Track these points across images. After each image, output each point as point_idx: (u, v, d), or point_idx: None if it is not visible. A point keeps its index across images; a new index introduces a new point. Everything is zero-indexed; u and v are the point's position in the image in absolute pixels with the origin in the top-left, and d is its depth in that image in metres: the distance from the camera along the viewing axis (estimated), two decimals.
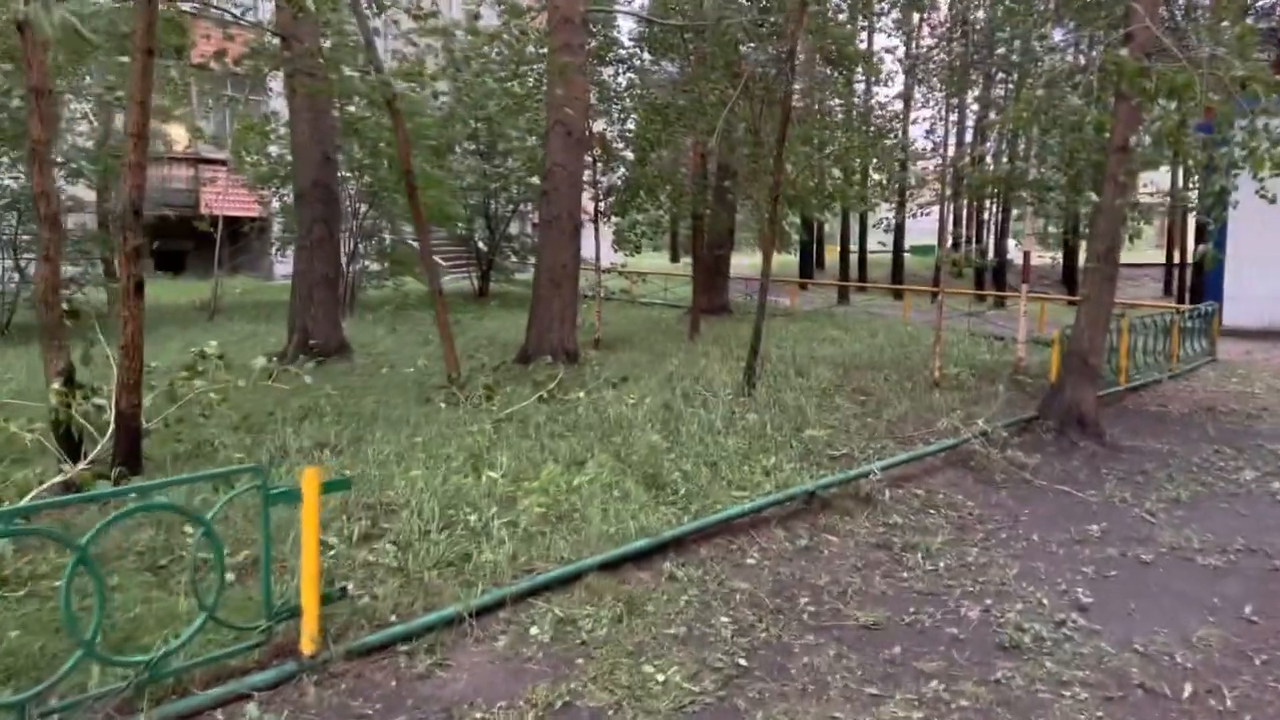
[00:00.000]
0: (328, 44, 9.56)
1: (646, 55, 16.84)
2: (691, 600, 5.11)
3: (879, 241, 32.76)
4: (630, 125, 16.52)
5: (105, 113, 16.15)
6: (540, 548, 5.46)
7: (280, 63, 10.86)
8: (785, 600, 5.22)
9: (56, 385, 5.67)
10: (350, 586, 4.46)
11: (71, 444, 5.78)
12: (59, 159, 14.98)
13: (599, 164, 15.30)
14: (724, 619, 4.92)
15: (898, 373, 11.72)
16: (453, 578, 5.03)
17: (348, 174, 17.98)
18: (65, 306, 5.79)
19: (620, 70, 16.75)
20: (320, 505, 4.06)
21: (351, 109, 12.90)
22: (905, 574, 5.69)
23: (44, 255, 5.66)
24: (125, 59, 16.55)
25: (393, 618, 4.56)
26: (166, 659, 3.73)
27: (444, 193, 18.36)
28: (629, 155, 16.45)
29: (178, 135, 24.11)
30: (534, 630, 4.65)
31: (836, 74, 15.96)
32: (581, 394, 9.24)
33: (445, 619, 4.56)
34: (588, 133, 12.92)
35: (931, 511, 6.86)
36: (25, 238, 14.90)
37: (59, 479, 5.26)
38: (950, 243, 20.65)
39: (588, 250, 18.67)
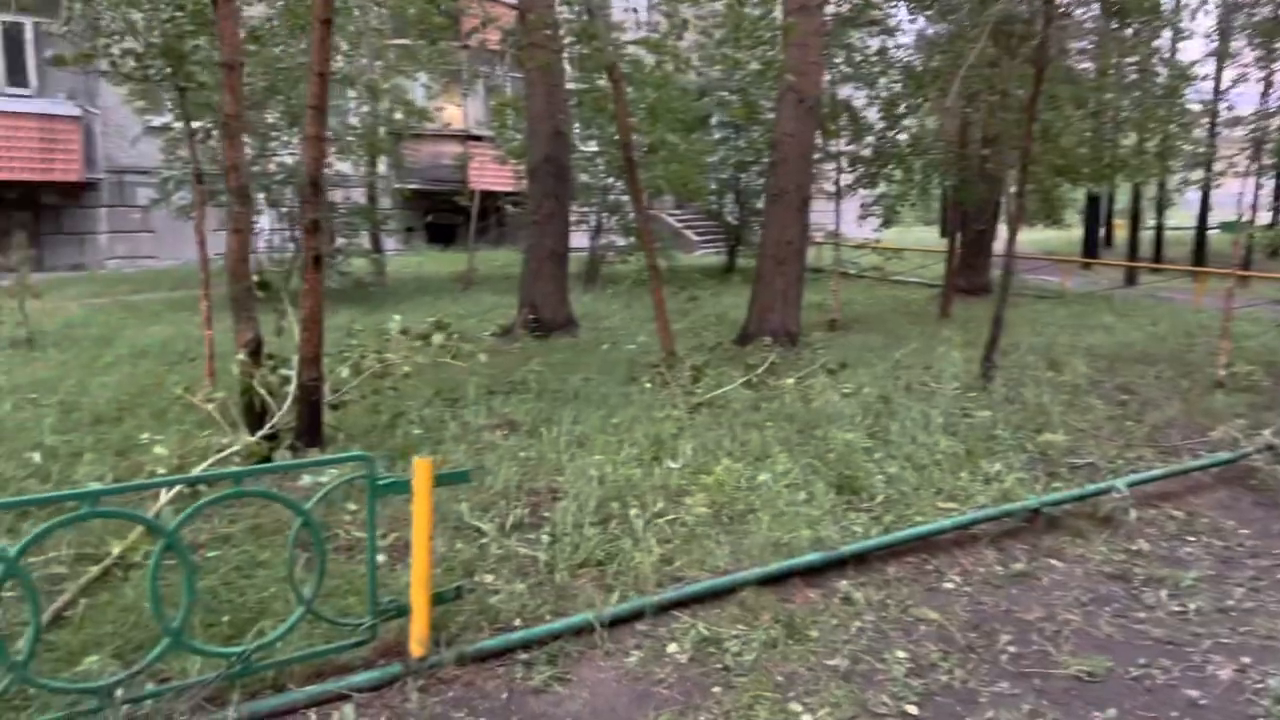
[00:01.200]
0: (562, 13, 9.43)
1: (903, 12, 15.63)
2: (865, 628, 4.43)
3: (1184, 217, 29.25)
4: (881, 91, 15.43)
5: (372, 90, 17.07)
6: (697, 552, 4.97)
7: (516, 36, 10.88)
8: (982, 637, 4.43)
9: (241, 355, 5.82)
10: (464, 586, 4.17)
11: (256, 415, 5.90)
12: (330, 135, 15.97)
13: (842, 133, 14.39)
14: (900, 654, 4.22)
15: (1173, 368, 10.16)
16: (592, 580, 4.65)
17: (595, 148, 18.11)
18: (255, 278, 5.91)
19: (872, 32, 15.67)
20: (432, 497, 3.77)
21: (599, 82, 12.87)
22: (1142, 615, 4.70)
23: (233, 227, 5.79)
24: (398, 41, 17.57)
25: (517, 621, 4.23)
26: (264, 651, 3.58)
27: (689, 167, 18.06)
28: (878, 123, 15.38)
29: (452, 115, 25.42)
30: (672, 648, 4.17)
31: (1122, 27, 14.09)
32: (791, 380, 8.60)
33: (574, 627, 4.18)
34: (823, 101, 12.10)
35: (1189, 539, 5.71)
36: (297, 208, 16.03)
37: (231, 450, 5.36)
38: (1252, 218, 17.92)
39: (827, 224, 17.86)
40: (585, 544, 4.93)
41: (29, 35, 18.52)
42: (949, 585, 4.96)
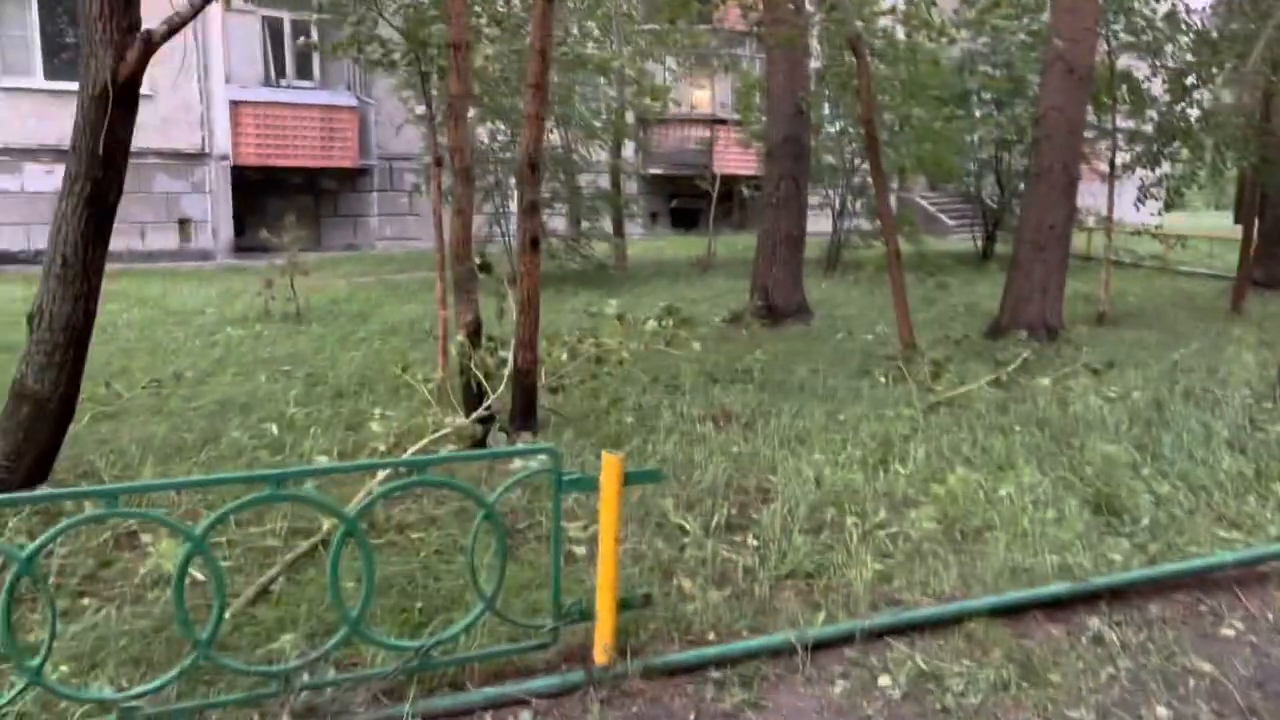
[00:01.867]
0: None
1: None
2: (1118, 676, 3.78)
3: None
4: (1167, 60, 13.75)
5: (619, 76, 17.19)
6: (920, 573, 4.44)
7: (760, 13, 10.51)
8: (1268, 699, 3.67)
9: (460, 337, 5.82)
10: (653, 594, 3.87)
11: (473, 396, 5.90)
12: (574, 121, 16.23)
13: (1120, 107, 12.95)
14: (1161, 711, 3.56)
15: None
16: (798, 595, 4.24)
17: (843, 127, 17.39)
18: (478, 260, 5.90)
19: None
20: (620, 497, 3.51)
21: (849, 58, 12.26)
22: None
23: (456, 209, 5.79)
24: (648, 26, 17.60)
25: (710, 634, 3.90)
26: (444, 646, 3.45)
27: (943, 145, 16.98)
28: (1163, 95, 13.73)
29: (698, 99, 25.36)
30: (884, 680, 3.70)
31: None
32: (1046, 380, 7.74)
33: (773, 647, 3.80)
34: (1097, 71, 10.88)
35: None
36: (545, 195, 16.41)
37: (443, 431, 5.36)
38: None
39: (1099, 208, 16.20)
40: (793, 553, 4.53)
41: (314, 33, 20.04)
42: (1228, 632, 4.17)
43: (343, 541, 3.24)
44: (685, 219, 25.77)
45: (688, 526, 4.82)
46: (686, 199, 24.66)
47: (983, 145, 20.23)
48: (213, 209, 19.22)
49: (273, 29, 19.74)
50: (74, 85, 4.73)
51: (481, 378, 5.75)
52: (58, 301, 4.68)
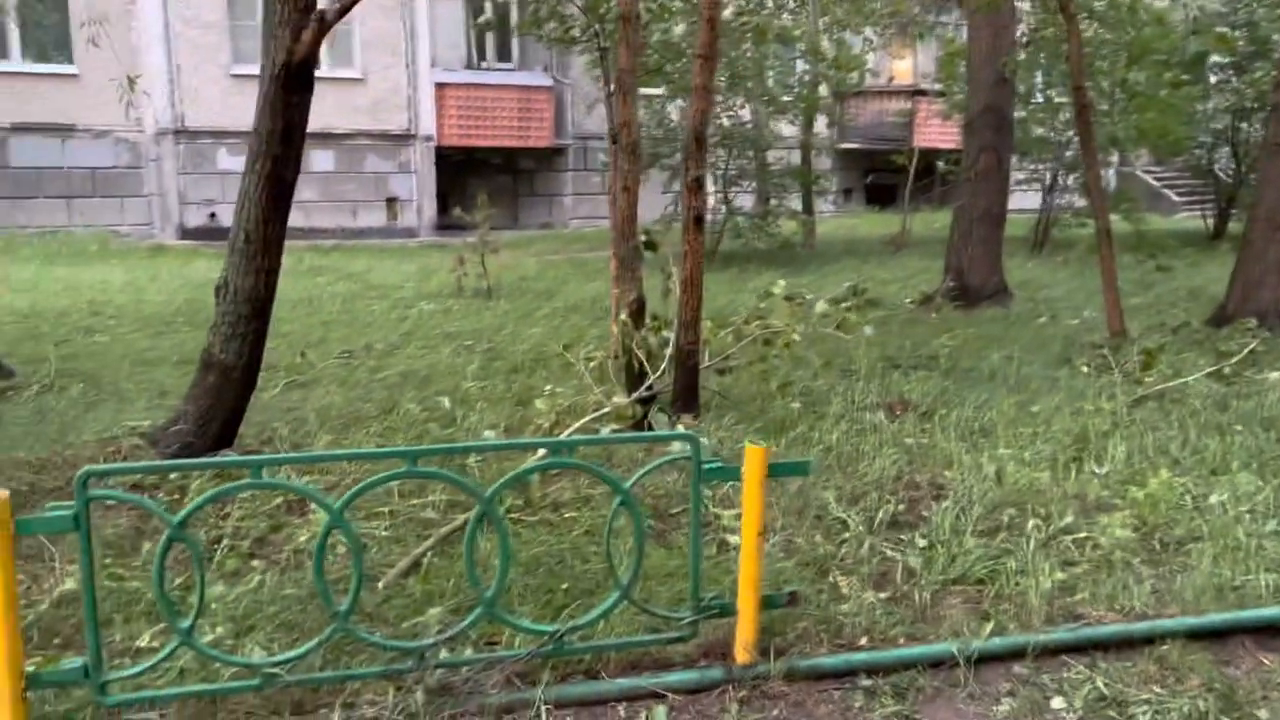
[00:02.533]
0: None
1: None
2: None
3: None
4: None
5: (813, 49, 16.71)
6: (1108, 585, 4.00)
7: None
8: None
9: (623, 316, 5.74)
10: (800, 592, 3.64)
11: (634, 376, 5.82)
12: (764, 95, 15.91)
13: None
14: None
15: None
16: (965, 602, 3.91)
17: (1053, 95, 16.23)
18: (643, 238, 5.79)
19: None
20: (764, 487, 3.31)
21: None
22: None
23: (622, 185, 5.70)
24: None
25: (863, 639, 3.64)
26: (578, 632, 3.37)
27: (1170, 116, 15.53)
28: None
29: (898, 70, 24.36)
30: (1057, 703, 3.35)
31: None
32: (1277, 374, 6.90)
33: (932, 657, 3.50)
34: None
35: None
36: (734, 171, 16.20)
37: (602, 410, 5.30)
38: None
39: None
40: (963, 556, 4.18)
41: (514, 17, 20.54)
42: None
43: (479, 521, 3.21)
44: (881, 195, 24.87)
45: (849, 521, 4.55)
46: (883, 174, 23.80)
47: (1217, 114, 18.41)
48: (417, 188, 20.11)
49: (475, 12, 20.35)
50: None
51: (643, 358, 5.65)
52: (241, 275, 4.91)
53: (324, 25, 4.55)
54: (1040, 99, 16.41)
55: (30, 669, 2.94)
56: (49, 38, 17.39)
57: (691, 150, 5.48)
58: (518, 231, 20.60)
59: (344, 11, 4.59)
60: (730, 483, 4.23)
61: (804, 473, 3.80)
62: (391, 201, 20.05)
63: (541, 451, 4.70)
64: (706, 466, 3.32)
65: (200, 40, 17.84)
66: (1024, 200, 19.44)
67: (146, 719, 3.06)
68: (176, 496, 4.57)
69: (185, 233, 18.45)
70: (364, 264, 14.84)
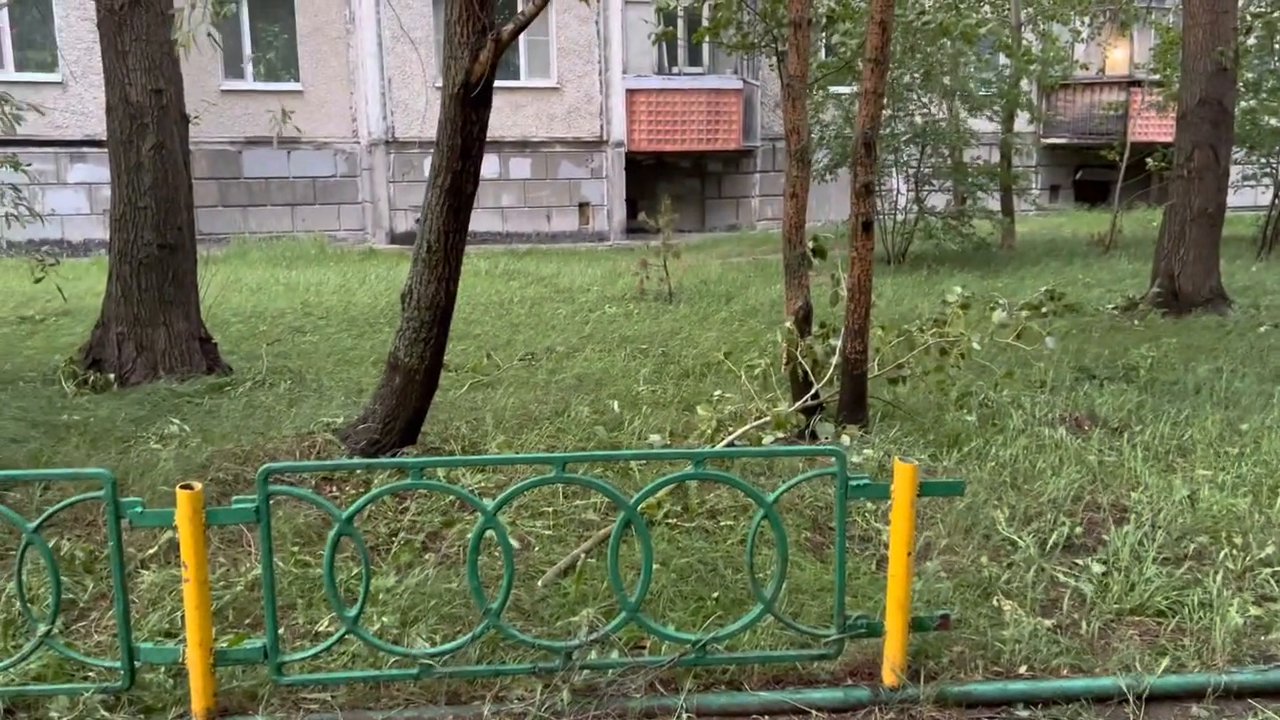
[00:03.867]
0: None
1: None
2: None
3: None
4: None
5: (1010, 45, 15.96)
6: None
7: None
8: None
9: (789, 323, 5.69)
10: (952, 614, 3.50)
11: (799, 385, 5.75)
12: (960, 92, 15.33)
13: None
14: None
15: None
16: (1140, 634, 3.66)
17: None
18: (810, 244, 5.72)
19: None
20: (913, 506, 3.22)
21: None
22: None
23: (790, 192, 5.64)
24: None
25: (1023, 668, 3.48)
26: (722, 642, 3.39)
27: None
28: None
29: (1111, 60, 22.90)
30: None
31: None
32: None
33: (1098, 691, 3.31)
34: None
35: None
36: (926, 169, 15.68)
37: (763, 420, 5.27)
38: None
39: None
40: (1143, 585, 3.91)
41: (659, 20, 20.65)
42: None
43: (623, 528, 3.28)
44: (1092, 192, 23.44)
45: (1019, 542, 4.34)
46: (1094, 170, 22.42)
47: None
48: (608, 193, 20.58)
49: (667, 19, 20.59)
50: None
51: (808, 366, 5.58)
52: (424, 284, 5.19)
53: (500, 45, 4.74)
54: (1276, 83, 15.00)
55: (221, 646, 3.24)
56: (278, 58, 18.93)
57: (859, 156, 5.37)
58: (704, 234, 20.74)
59: (518, 32, 4.77)
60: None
61: (956, 493, 3.66)
62: (584, 206, 20.61)
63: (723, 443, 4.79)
64: (853, 483, 3.26)
65: (408, 55, 18.92)
66: (1249, 198, 17.88)
67: (319, 699, 3.31)
68: (362, 490, 4.89)
69: (394, 238, 19.63)
70: (554, 268, 15.31)
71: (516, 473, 4.94)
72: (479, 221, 20.09)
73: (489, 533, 3.23)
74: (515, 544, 4.20)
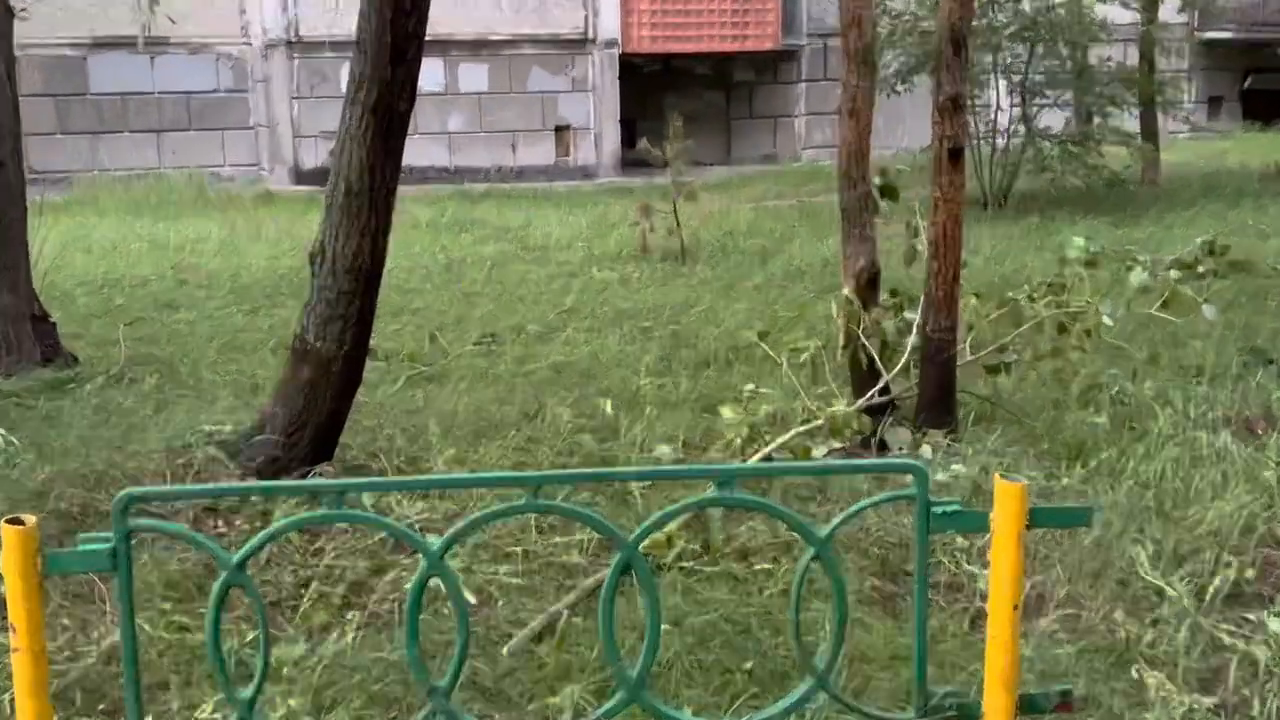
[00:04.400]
0: None
1: None
2: None
3: None
4: None
5: None
6: None
7: None
8: None
9: (847, 290, 5.70)
10: (1074, 689, 3.52)
11: (863, 374, 5.78)
12: None
13: None
14: None
15: None
16: None
17: None
18: (876, 181, 5.73)
19: None
20: (1022, 540, 3.21)
21: None
22: None
23: (848, 107, 5.65)
24: None
25: None
26: None
27: None
28: None
29: None
30: None
31: None
32: None
33: None
34: None
35: None
36: (1038, 76, 15.73)
37: (814, 422, 5.29)
38: None
39: None
40: None
41: None
42: None
43: (618, 573, 3.28)
44: (1267, 106, 23.50)
45: (1169, 591, 4.36)
46: (1269, 75, 22.49)
47: None
48: (595, 112, 20.60)
49: None
50: None
51: (874, 350, 5.60)
52: (341, 239, 5.19)
53: None
54: None
55: None
56: None
57: (946, 59, 5.38)
58: (730, 168, 20.78)
59: None
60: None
61: (1081, 523, 3.67)
62: (562, 131, 20.64)
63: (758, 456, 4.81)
64: (937, 510, 3.25)
65: None
66: None
67: None
68: (259, 525, 4.90)
69: (300, 176, 19.68)
70: (522, 216, 15.33)
71: (473, 499, 4.96)
72: (418, 153, 20.09)
73: (434, 582, 3.22)
74: (471, 598, 4.21)
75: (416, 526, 4.74)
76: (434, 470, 5.51)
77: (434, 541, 3.28)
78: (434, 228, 14.31)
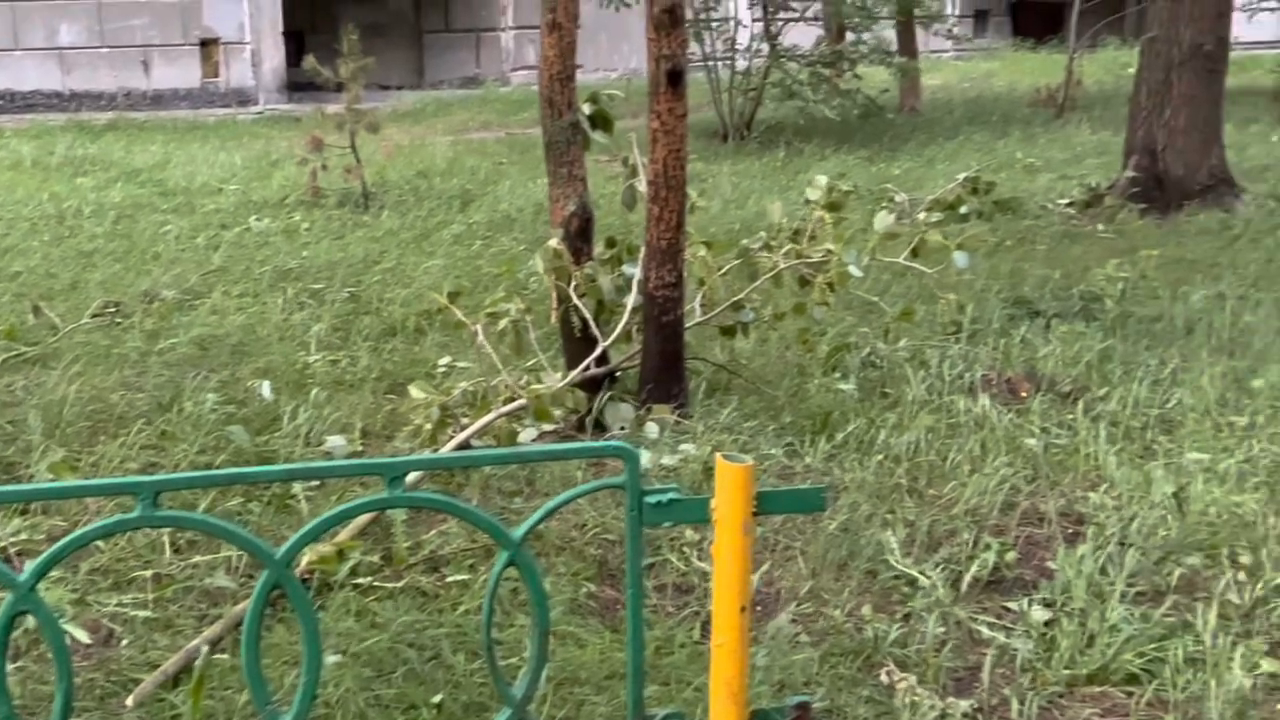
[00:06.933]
0: None
1: None
2: None
3: None
4: None
5: None
6: None
7: None
8: None
9: (554, 242, 5.73)
10: (811, 701, 3.67)
11: (575, 340, 5.85)
12: None
13: None
14: None
15: None
16: (1097, 712, 3.95)
17: None
18: (585, 110, 5.79)
19: None
20: (749, 531, 3.32)
21: None
22: None
23: (548, 20, 5.69)
24: None
25: None
26: None
27: None
28: None
29: None
30: None
31: None
32: None
33: None
34: None
35: None
36: None
37: (517, 402, 5.33)
38: None
39: None
40: (1106, 634, 4.21)
41: None
42: None
43: (264, 596, 3.23)
44: (1037, 23, 24.83)
45: (921, 579, 4.59)
46: None
47: None
48: (251, 22, 20.08)
49: None
50: None
51: (588, 313, 5.67)
52: None
53: None
54: None
55: None
56: None
57: None
58: (423, 93, 20.65)
59: None
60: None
61: (816, 508, 3.81)
62: (209, 45, 20.05)
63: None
64: (651, 500, 3.32)
65: None
66: (1270, 29, 19.40)
67: None
68: None
69: None
70: (159, 153, 14.89)
71: (83, 510, 4.80)
72: (19, 73, 19.24)
73: (24, 617, 3.10)
74: (84, 636, 4.08)
75: (12, 550, 4.57)
76: (34, 476, 5.31)
77: (27, 567, 3.16)
78: (41, 168, 13.73)
